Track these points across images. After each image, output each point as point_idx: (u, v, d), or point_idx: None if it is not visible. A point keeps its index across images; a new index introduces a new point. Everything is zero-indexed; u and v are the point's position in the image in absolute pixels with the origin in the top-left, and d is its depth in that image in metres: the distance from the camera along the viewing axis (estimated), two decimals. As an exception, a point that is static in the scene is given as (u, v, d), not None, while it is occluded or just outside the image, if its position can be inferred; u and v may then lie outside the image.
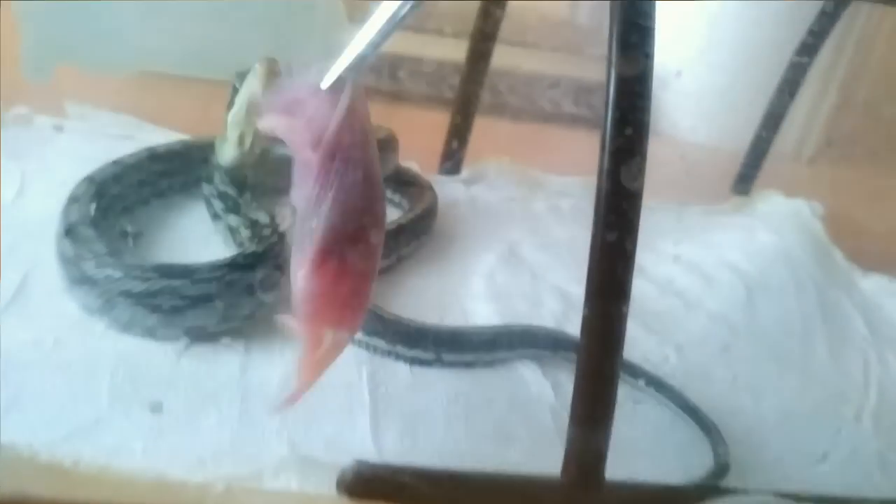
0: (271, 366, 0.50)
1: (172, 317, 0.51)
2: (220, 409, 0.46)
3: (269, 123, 0.37)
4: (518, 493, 0.43)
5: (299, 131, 0.36)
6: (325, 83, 0.36)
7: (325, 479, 0.41)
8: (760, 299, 0.71)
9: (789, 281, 0.74)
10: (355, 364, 0.52)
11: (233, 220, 0.60)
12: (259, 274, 0.53)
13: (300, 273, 0.35)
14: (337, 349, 0.36)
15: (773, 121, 0.88)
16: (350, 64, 0.36)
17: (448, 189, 0.77)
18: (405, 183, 0.74)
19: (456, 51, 0.81)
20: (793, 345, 0.66)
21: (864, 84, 1.06)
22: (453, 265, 0.66)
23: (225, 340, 0.52)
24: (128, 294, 0.50)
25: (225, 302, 0.52)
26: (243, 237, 0.59)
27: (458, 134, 0.79)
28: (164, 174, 0.65)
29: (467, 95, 0.76)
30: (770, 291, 0.72)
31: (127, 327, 0.51)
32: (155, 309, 0.50)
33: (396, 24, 0.35)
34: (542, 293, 0.64)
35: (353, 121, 0.36)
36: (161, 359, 0.49)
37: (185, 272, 0.51)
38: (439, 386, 0.52)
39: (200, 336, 0.52)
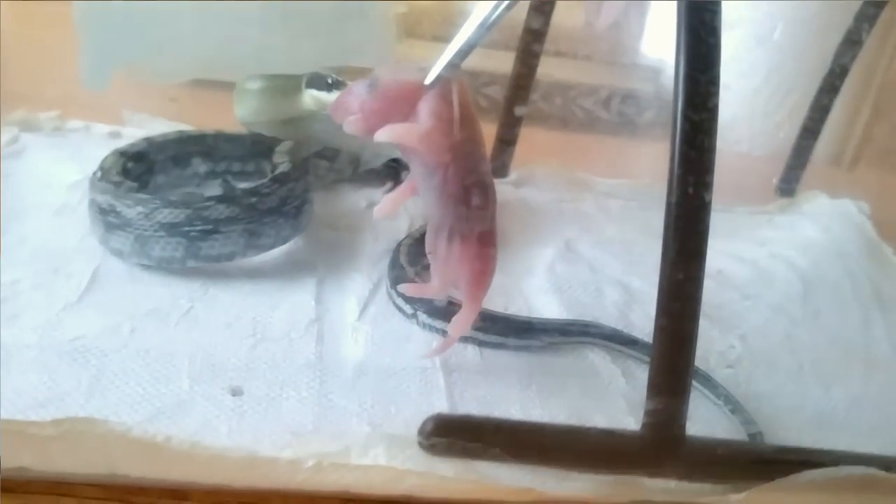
0: (344, 353, 0.51)
1: (300, 216, 0.59)
2: (300, 392, 0.46)
3: (395, 134, 0.39)
4: (597, 446, 0.43)
5: (433, 137, 0.39)
6: (430, 79, 0.38)
7: (413, 455, 0.41)
8: (817, 292, 0.70)
9: (843, 275, 0.74)
10: (428, 349, 0.52)
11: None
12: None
13: (465, 256, 0.42)
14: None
15: (815, 123, 0.88)
16: (454, 57, 0.37)
17: (498, 191, 0.77)
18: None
19: (489, 60, 0.84)
20: (853, 334, 0.65)
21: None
22: (512, 259, 0.65)
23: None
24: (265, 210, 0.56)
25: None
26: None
27: (507, 135, 0.79)
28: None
29: (517, 94, 0.77)
30: (826, 284, 0.71)
31: (275, 243, 0.58)
32: (285, 214, 0.57)
33: (494, 22, 0.37)
34: (602, 285, 0.64)
35: (466, 112, 0.39)
36: (237, 347, 0.49)
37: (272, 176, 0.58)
38: (511, 371, 0.52)
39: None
